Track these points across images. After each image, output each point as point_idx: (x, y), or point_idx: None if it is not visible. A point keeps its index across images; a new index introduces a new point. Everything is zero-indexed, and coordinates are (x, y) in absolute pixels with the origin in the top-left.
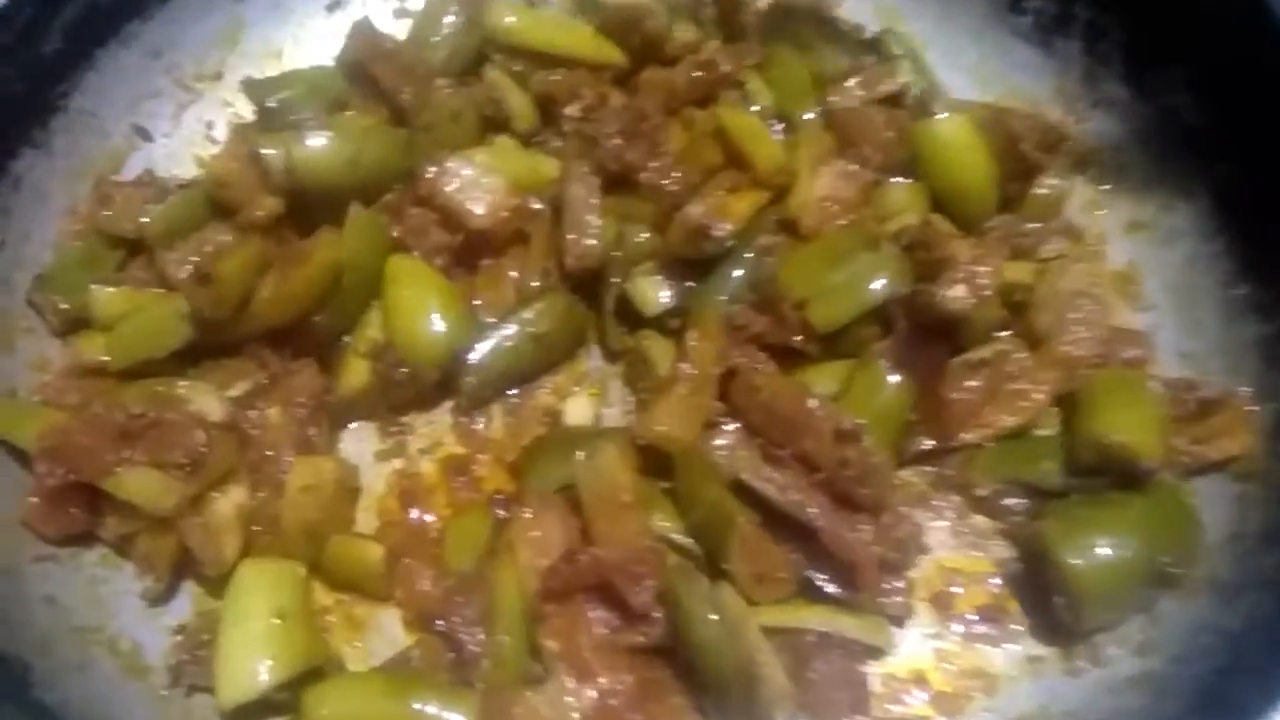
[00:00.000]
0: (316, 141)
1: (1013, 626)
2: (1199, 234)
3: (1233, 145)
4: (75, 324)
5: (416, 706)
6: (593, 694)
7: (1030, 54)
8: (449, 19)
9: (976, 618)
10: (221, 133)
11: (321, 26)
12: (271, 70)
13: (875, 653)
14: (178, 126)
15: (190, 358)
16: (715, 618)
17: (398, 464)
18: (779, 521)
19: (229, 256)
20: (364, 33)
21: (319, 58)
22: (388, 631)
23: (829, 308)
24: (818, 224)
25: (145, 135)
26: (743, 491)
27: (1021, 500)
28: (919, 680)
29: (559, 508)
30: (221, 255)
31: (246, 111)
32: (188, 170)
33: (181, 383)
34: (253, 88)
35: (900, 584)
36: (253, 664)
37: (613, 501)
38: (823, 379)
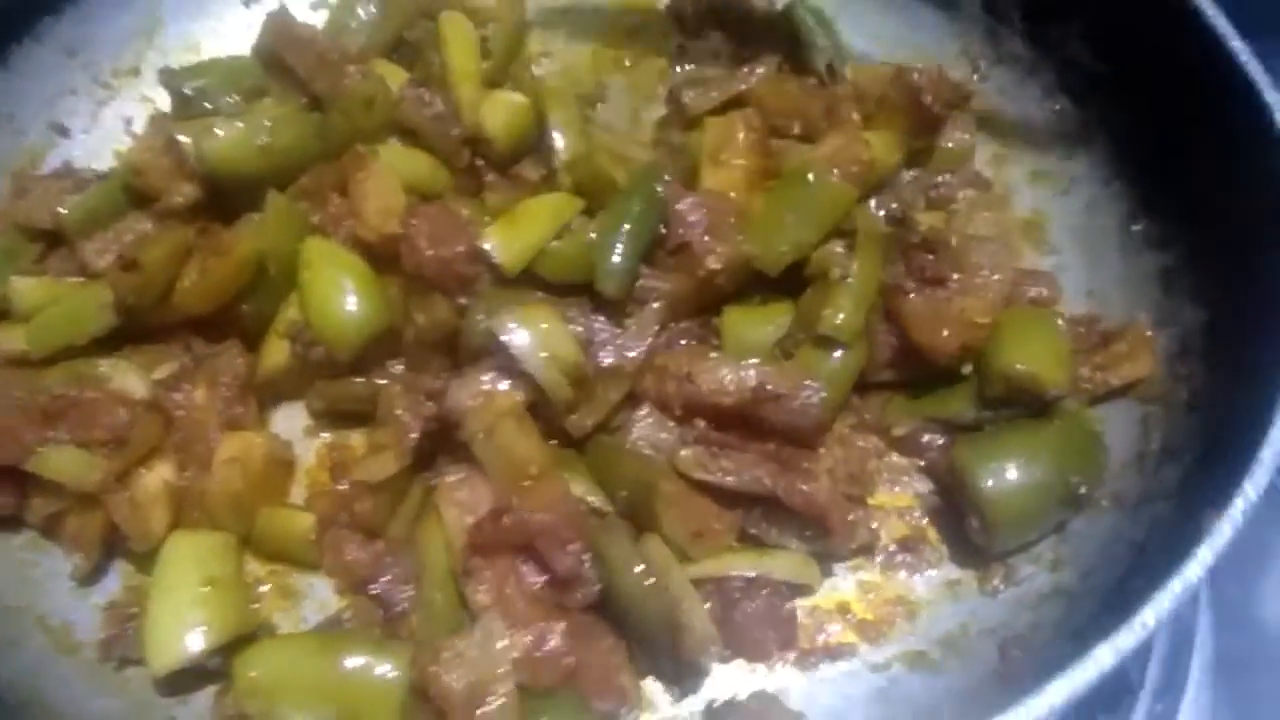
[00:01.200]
0: (227, 129)
1: (931, 554)
2: (1098, 179)
3: (1127, 93)
4: None
5: (348, 662)
6: (527, 638)
7: (934, 17)
8: (366, 6)
9: (896, 549)
10: (141, 128)
11: (239, 18)
12: (186, 64)
13: (804, 590)
14: (96, 123)
15: (111, 344)
16: (640, 569)
17: (327, 437)
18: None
19: (152, 244)
20: (279, 21)
21: (238, 50)
22: (320, 599)
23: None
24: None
25: (63, 132)
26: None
27: (937, 436)
28: (843, 610)
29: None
30: (145, 243)
31: (166, 105)
32: (108, 166)
33: (102, 363)
34: (169, 76)
35: (863, 513)
36: (182, 631)
37: (521, 475)
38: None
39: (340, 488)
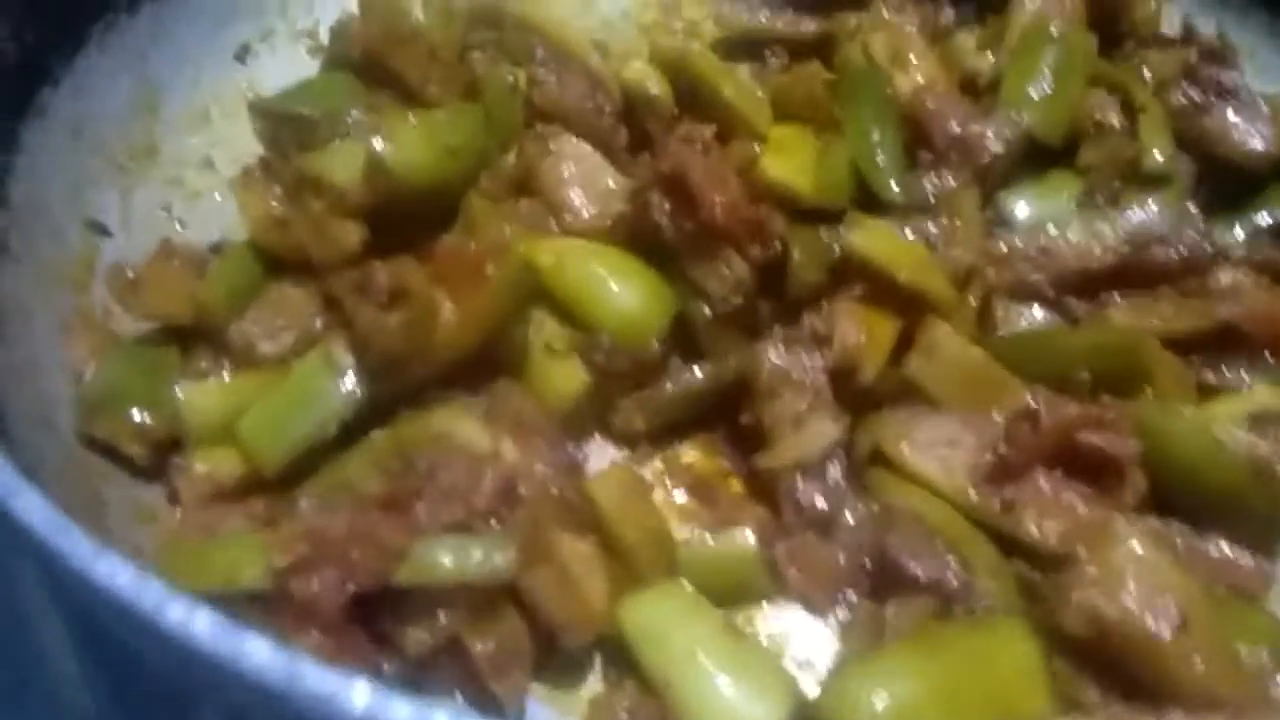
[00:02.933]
0: (406, 133)
1: None
2: None
3: None
4: (167, 447)
5: None
6: None
7: None
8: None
9: None
10: (184, 213)
11: (239, 75)
12: (202, 136)
13: None
14: (130, 215)
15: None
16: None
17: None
18: None
19: (405, 271)
20: (372, 24)
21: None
22: None
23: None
24: None
25: (101, 230)
26: None
27: None
28: None
29: None
30: (397, 271)
31: (200, 185)
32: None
33: (436, 414)
34: (264, 107)
35: None
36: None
37: (981, 385)
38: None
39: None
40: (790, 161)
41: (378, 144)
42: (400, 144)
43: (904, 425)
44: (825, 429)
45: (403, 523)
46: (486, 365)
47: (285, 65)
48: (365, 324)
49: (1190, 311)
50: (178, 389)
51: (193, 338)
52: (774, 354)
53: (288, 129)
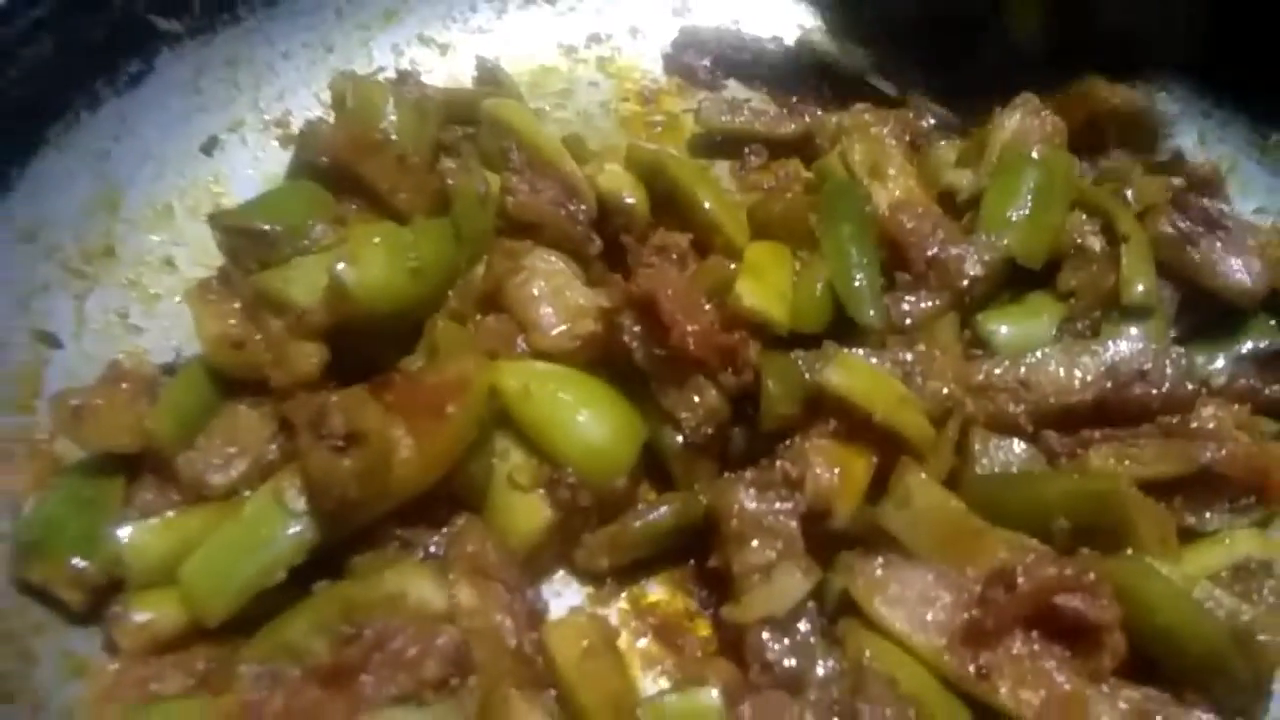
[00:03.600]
0: (369, 254)
1: None
2: None
3: None
4: (106, 591)
5: None
6: None
7: None
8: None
9: None
10: (142, 318)
11: (205, 168)
12: (164, 234)
13: None
14: (84, 323)
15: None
16: (1189, 596)
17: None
18: None
19: (361, 409)
20: (340, 132)
21: (211, 203)
22: None
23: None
24: None
25: (51, 341)
26: None
27: None
28: None
29: None
30: (353, 410)
31: (160, 288)
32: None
33: (388, 572)
34: (223, 220)
35: None
36: None
37: (957, 536)
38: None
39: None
40: (767, 287)
41: (339, 265)
42: (363, 265)
43: (878, 577)
44: (795, 582)
45: (346, 698)
46: (447, 498)
47: (255, 156)
48: (318, 469)
49: (1171, 455)
50: (120, 530)
51: (140, 466)
52: (744, 496)
53: (247, 242)
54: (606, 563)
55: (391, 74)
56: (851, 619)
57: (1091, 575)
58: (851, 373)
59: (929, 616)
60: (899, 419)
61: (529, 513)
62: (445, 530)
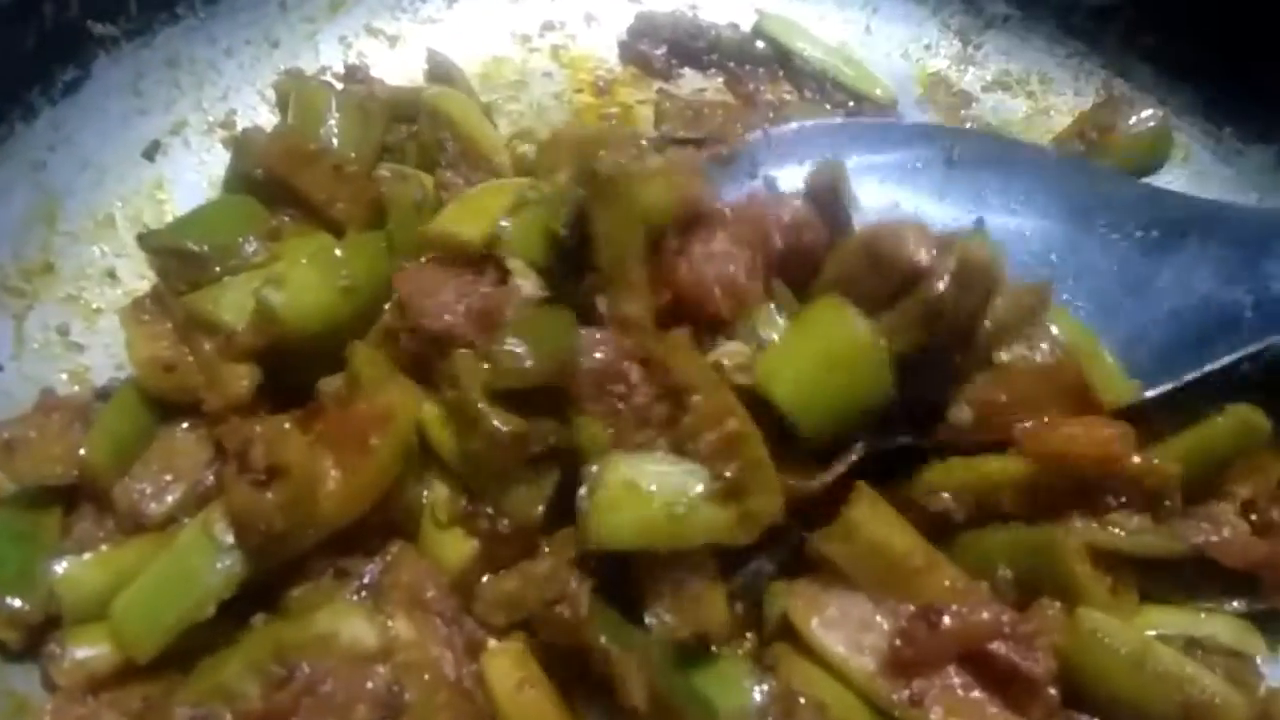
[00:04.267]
0: (298, 275)
1: None
2: None
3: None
4: (42, 630)
5: None
6: None
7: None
8: (332, 120)
9: None
10: (83, 335)
11: (146, 174)
12: (106, 244)
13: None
14: (23, 343)
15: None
16: (1131, 651)
17: None
18: None
19: (284, 443)
20: (275, 143)
21: (159, 210)
22: None
23: None
24: None
25: None
26: None
27: None
28: None
29: None
30: (275, 443)
31: (102, 301)
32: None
33: (321, 612)
34: (153, 240)
35: None
36: None
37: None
38: None
39: None
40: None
41: (267, 287)
42: (291, 286)
43: (815, 599)
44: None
45: None
46: (381, 525)
47: (199, 159)
48: (240, 503)
49: (1160, 532)
50: (55, 566)
51: (77, 495)
52: None
53: (178, 263)
54: (504, 620)
55: (339, 69)
56: (784, 645)
57: (1028, 627)
58: None
59: (865, 643)
60: None
61: (455, 544)
62: (381, 558)
